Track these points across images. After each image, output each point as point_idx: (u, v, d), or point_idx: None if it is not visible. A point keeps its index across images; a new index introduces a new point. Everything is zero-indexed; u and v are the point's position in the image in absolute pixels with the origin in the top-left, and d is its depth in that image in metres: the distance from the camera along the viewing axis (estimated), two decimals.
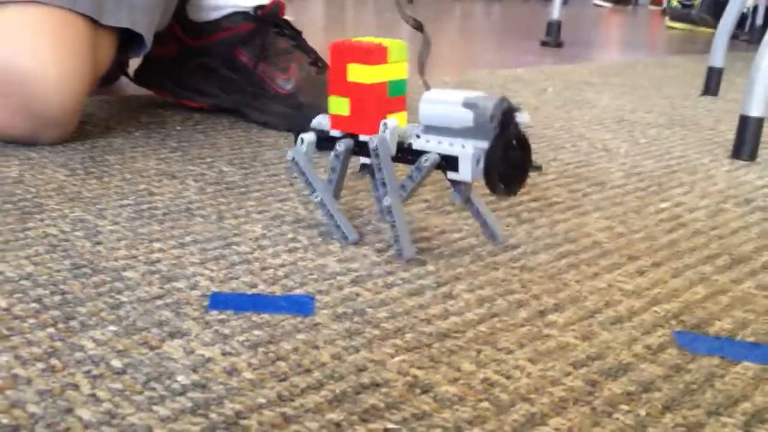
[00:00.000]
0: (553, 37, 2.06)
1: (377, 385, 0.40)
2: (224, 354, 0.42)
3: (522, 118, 0.53)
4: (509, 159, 0.54)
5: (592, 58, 2.00)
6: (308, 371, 0.41)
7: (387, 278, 0.54)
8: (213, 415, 0.36)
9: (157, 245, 0.56)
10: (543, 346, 0.46)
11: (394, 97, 0.58)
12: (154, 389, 0.38)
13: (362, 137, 0.58)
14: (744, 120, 0.95)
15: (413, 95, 0.67)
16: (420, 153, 0.56)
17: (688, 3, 2.91)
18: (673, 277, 0.58)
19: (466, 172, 0.55)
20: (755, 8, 2.58)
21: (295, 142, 0.60)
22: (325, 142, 0.60)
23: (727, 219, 0.72)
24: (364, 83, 0.57)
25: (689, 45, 2.50)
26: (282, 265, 0.54)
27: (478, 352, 0.45)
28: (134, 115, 0.94)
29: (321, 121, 0.60)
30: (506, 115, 0.53)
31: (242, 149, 0.83)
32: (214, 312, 0.47)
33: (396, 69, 0.58)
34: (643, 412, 0.40)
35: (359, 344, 0.45)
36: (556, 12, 2.06)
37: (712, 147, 1.01)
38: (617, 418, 0.39)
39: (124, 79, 1.03)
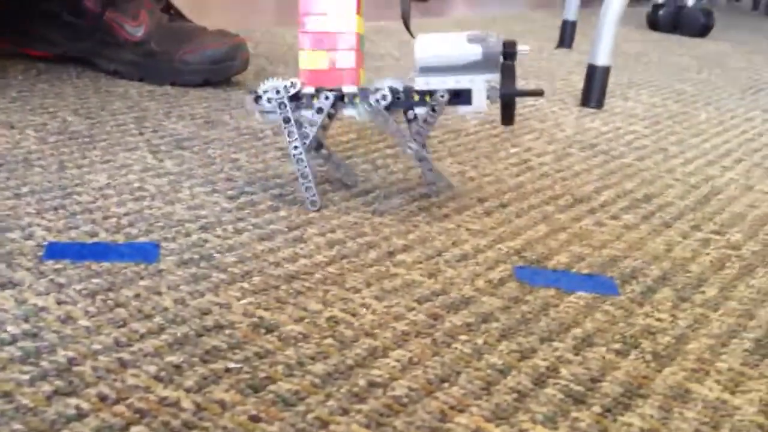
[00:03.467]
0: None
1: (221, 327, 0.40)
2: (59, 303, 0.40)
3: (523, 48, 0.56)
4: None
5: (457, 12, 2.02)
6: (149, 317, 0.40)
7: (237, 224, 0.53)
8: (44, 363, 0.35)
9: None
10: (390, 285, 0.47)
11: (361, 51, 0.58)
12: None
13: (346, 89, 0.56)
14: (591, 69, 0.99)
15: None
16: (423, 94, 0.57)
17: None
18: (518, 217, 0.60)
19: (480, 102, 0.56)
20: None
21: (258, 100, 0.56)
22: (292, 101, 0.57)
23: (572, 162, 0.75)
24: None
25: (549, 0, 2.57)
26: (126, 214, 0.53)
27: (326, 292, 0.45)
28: None
29: (275, 84, 0.56)
30: (510, 46, 0.56)
31: (89, 99, 0.79)
32: (50, 262, 0.45)
33: (361, 22, 0.57)
34: (480, 341, 0.42)
35: (204, 289, 0.44)
36: None
37: (563, 96, 1.05)
38: (456, 348, 0.41)
39: None
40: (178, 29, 0.88)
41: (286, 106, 0.56)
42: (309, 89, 0.57)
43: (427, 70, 0.56)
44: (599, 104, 0.99)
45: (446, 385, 0.37)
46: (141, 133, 0.70)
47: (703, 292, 0.50)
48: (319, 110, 0.56)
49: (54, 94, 0.79)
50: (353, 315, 0.43)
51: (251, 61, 0.99)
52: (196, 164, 0.64)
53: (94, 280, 0.43)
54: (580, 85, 1.12)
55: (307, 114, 0.57)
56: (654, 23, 1.92)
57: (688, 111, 1.03)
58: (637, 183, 0.71)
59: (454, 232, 0.56)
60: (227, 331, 0.40)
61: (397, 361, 0.39)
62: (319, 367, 0.38)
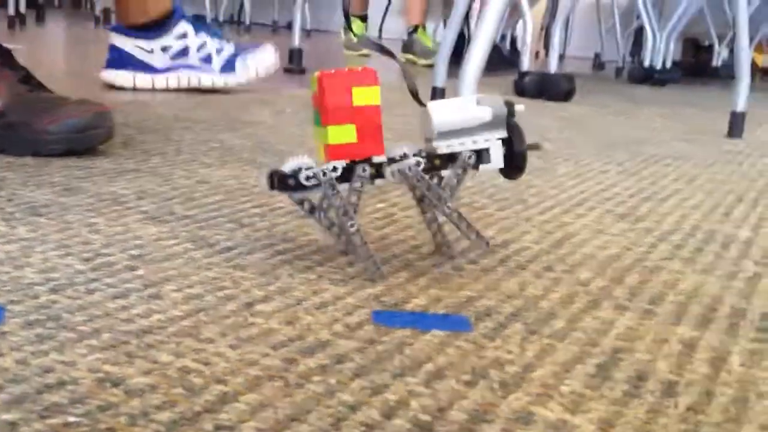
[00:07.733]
0: (296, 64, 2.11)
1: (63, 383, 0.39)
2: None
3: (520, 107, 0.61)
4: None
5: None
6: None
7: (90, 285, 0.52)
8: None
9: None
10: (246, 334, 0.47)
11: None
12: None
13: (376, 159, 0.58)
14: None
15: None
16: (445, 157, 0.60)
17: (412, 31, 3.08)
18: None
19: (498, 159, 0.61)
20: None
21: (273, 185, 0.57)
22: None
23: None
24: (372, 105, 0.57)
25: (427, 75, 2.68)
26: None
27: (178, 344, 0.45)
28: None
29: (300, 162, 0.57)
30: (511, 106, 0.61)
31: None
32: None
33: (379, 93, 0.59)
34: (333, 381, 0.42)
35: (50, 348, 0.43)
36: (296, 40, 2.12)
37: None
38: (309, 388, 0.41)
39: None
40: (38, 99, 0.87)
41: (334, 186, 0.57)
42: (340, 163, 0.58)
43: (444, 134, 0.60)
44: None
45: (296, 423, 0.37)
46: None
47: (552, 325, 0.52)
48: (360, 182, 0.58)
49: None
50: (205, 364, 0.43)
51: (119, 130, 0.99)
52: (52, 230, 0.62)
53: None
54: None
55: (341, 188, 0.58)
56: (521, 90, 2.03)
57: (548, 167, 1.09)
58: (496, 230, 0.74)
59: (315, 282, 0.56)
60: (70, 387, 0.39)
61: (248, 404, 0.39)
62: (164, 416, 0.37)
